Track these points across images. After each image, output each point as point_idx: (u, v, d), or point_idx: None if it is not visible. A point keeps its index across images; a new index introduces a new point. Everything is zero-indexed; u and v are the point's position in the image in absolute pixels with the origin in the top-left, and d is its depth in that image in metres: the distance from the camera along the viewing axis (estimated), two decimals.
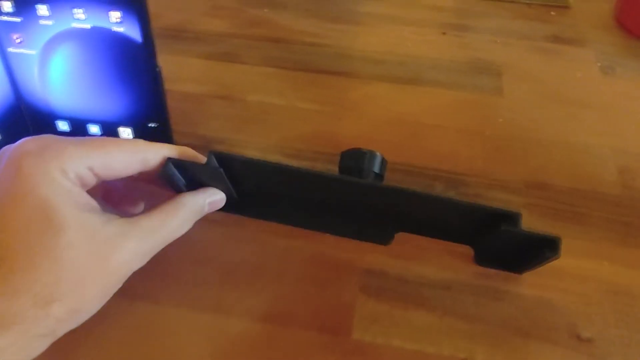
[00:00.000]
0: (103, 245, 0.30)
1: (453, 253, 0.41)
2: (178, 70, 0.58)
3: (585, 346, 0.37)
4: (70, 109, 0.44)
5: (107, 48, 0.41)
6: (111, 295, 0.31)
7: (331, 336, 0.37)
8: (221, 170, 0.35)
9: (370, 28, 0.66)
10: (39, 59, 0.41)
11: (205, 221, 0.36)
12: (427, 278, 0.40)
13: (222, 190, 0.37)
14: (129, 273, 0.31)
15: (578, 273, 0.40)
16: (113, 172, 0.33)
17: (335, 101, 0.55)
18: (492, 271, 0.40)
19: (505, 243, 0.36)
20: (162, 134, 0.45)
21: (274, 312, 0.38)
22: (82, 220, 0.29)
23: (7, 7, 0.39)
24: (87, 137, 0.32)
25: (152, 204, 0.34)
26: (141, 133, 0.45)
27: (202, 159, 0.35)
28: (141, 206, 0.39)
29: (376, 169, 0.39)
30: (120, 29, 0.40)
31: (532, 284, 0.40)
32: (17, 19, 0.40)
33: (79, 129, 0.45)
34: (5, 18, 0.40)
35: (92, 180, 0.32)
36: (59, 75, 0.42)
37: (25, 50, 0.41)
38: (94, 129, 0.45)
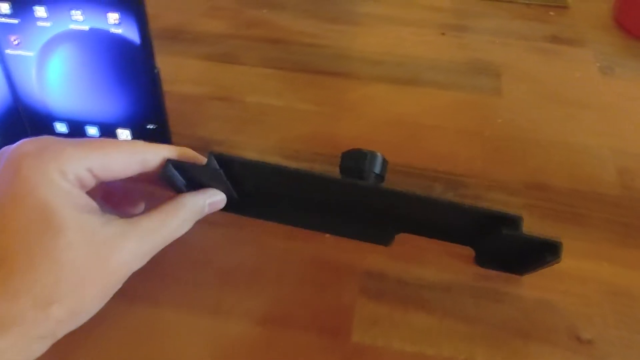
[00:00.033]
0: (102, 245, 0.30)
1: (453, 254, 0.41)
2: (176, 72, 0.58)
3: (585, 348, 0.37)
4: (68, 110, 0.44)
5: (105, 50, 0.40)
6: (111, 296, 0.31)
7: (331, 338, 0.37)
8: (221, 171, 0.35)
9: (369, 29, 0.66)
10: (36, 61, 0.41)
11: (205, 223, 0.36)
12: (427, 280, 0.40)
13: (222, 191, 0.37)
14: (129, 273, 0.31)
15: (578, 274, 0.40)
16: (112, 173, 0.32)
17: (333, 102, 0.55)
18: (492, 273, 0.40)
19: (506, 246, 0.36)
20: (160, 136, 0.45)
21: (273, 314, 0.38)
22: (81, 221, 0.29)
23: (5, 8, 0.39)
24: (85, 139, 0.32)
25: (153, 205, 0.34)
26: (139, 135, 0.45)
27: (202, 159, 0.35)
28: (141, 206, 0.39)
29: (377, 169, 0.39)
30: (118, 31, 0.39)
31: (532, 286, 0.39)
32: (15, 21, 0.40)
33: (77, 130, 0.45)
34: (2, 20, 0.40)
35: (91, 182, 0.32)
36: (56, 77, 0.42)
37: (23, 52, 0.41)
38: (92, 130, 0.45)
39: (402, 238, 0.40)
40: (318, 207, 0.39)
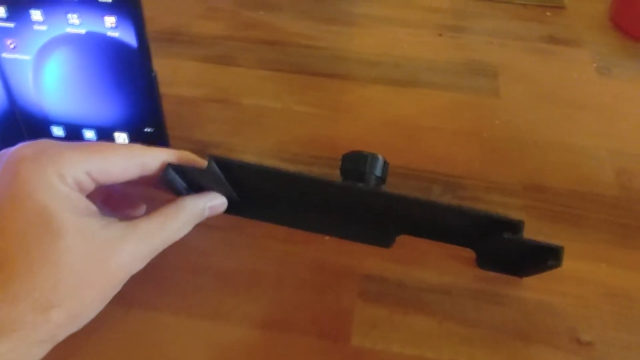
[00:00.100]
0: (101, 248, 0.30)
1: (452, 257, 0.41)
2: (173, 74, 0.58)
3: (585, 350, 0.37)
4: (65, 114, 0.44)
5: (102, 53, 0.40)
6: (110, 299, 0.31)
7: (330, 342, 0.37)
8: (221, 174, 0.35)
9: (366, 30, 0.66)
10: (33, 65, 0.41)
11: (203, 226, 0.36)
12: (427, 282, 0.40)
13: (222, 193, 0.37)
14: (128, 276, 0.31)
15: (577, 276, 0.40)
16: (111, 176, 0.32)
17: (331, 104, 0.55)
18: (492, 275, 0.40)
19: (507, 249, 0.36)
20: (158, 139, 0.44)
21: (272, 318, 0.38)
22: (80, 224, 0.29)
23: (1, 12, 0.39)
24: (84, 142, 0.32)
25: (153, 207, 0.34)
26: (137, 138, 0.44)
27: (202, 162, 0.35)
28: (142, 209, 0.39)
29: (378, 172, 0.39)
30: (115, 34, 0.39)
31: (531, 288, 0.39)
32: (11, 25, 0.39)
33: (74, 134, 0.44)
34: None
35: (90, 185, 0.32)
36: (53, 81, 0.42)
37: (19, 56, 0.41)
38: (89, 134, 0.44)
39: (401, 241, 0.40)
40: (318, 209, 0.39)
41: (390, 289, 0.40)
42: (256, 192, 0.38)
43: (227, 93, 0.56)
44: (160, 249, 0.33)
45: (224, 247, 0.42)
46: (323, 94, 0.56)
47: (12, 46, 0.40)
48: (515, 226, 0.34)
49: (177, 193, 0.36)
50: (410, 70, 0.60)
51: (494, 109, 0.55)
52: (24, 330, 0.27)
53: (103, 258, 0.30)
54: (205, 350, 0.36)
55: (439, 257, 0.41)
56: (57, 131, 0.44)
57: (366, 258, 0.41)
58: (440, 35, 0.66)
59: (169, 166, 0.33)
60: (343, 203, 0.38)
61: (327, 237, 0.42)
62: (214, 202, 0.36)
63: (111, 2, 0.38)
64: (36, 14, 0.39)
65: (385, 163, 0.40)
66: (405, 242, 0.39)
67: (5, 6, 0.39)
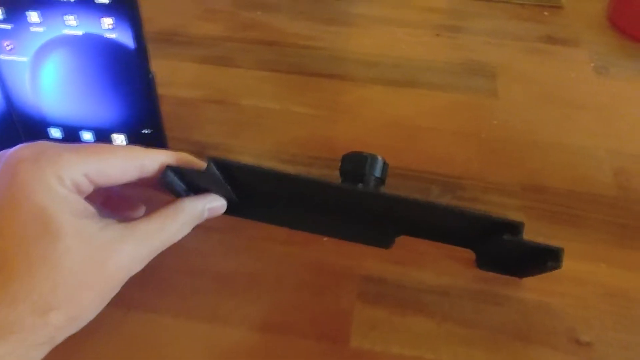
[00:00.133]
0: (100, 250, 0.29)
1: (451, 258, 0.41)
2: (171, 75, 0.58)
3: (584, 350, 0.37)
4: (63, 116, 0.43)
5: (100, 54, 0.40)
6: (109, 300, 0.31)
7: (329, 344, 0.37)
8: (220, 176, 0.35)
9: (364, 30, 0.66)
10: (30, 66, 0.41)
11: (201, 228, 0.36)
12: (426, 283, 0.40)
13: (222, 194, 0.37)
14: (127, 277, 0.31)
15: (576, 276, 0.40)
16: (109, 178, 0.32)
17: (329, 104, 0.55)
18: (490, 276, 0.40)
19: (506, 250, 0.36)
20: (156, 140, 0.44)
21: (271, 321, 0.38)
22: (78, 226, 0.29)
23: None
24: (83, 144, 0.32)
25: (153, 208, 0.34)
26: (135, 139, 0.44)
27: (200, 164, 0.35)
28: (142, 210, 0.39)
29: (377, 173, 0.39)
30: (112, 35, 0.39)
31: (530, 288, 0.39)
32: (8, 26, 0.39)
33: (71, 136, 0.44)
34: None
35: (88, 187, 0.32)
36: (51, 82, 0.42)
37: (16, 58, 0.41)
38: (86, 135, 0.44)
39: (400, 242, 0.40)
40: (318, 210, 0.39)
41: (389, 290, 0.40)
42: (255, 193, 0.38)
43: (226, 94, 0.56)
44: (159, 251, 0.33)
45: (223, 249, 0.42)
46: (321, 94, 0.56)
47: (9, 48, 0.40)
48: (515, 228, 0.34)
49: (176, 195, 0.35)
50: (409, 70, 0.60)
51: (492, 109, 0.55)
52: (23, 333, 0.27)
53: (102, 260, 0.29)
54: (203, 352, 0.36)
55: (437, 258, 0.41)
56: (55, 133, 0.44)
57: (365, 259, 0.41)
58: (438, 35, 0.66)
59: (167, 168, 0.33)
60: (342, 204, 0.38)
61: (325, 239, 0.42)
62: (213, 204, 0.36)
63: (108, 4, 0.38)
64: (33, 16, 0.39)
65: (384, 164, 0.40)
66: (404, 243, 0.39)
67: (2, 8, 0.39)
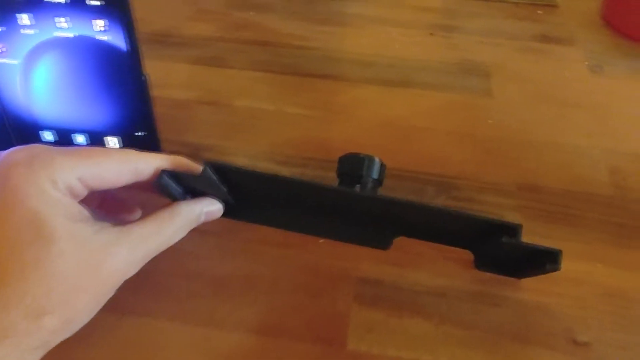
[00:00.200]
0: (95, 253, 0.29)
1: (448, 259, 0.41)
2: (165, 76, 0.57)
3: (582, 350, 0.37)
4: (55, 119, 0.43)
5: (92, 57, 0.40)
6: (103, 304, 0.30)
7: (326, 346, 0.36)
8: (217, 180, 0.34)
9: (358, 30, 0.66)
10: (21, 69, 0.41)
11: (197, 231, 0.36)
12: (423, 285, 0.40)
13: (218, 197, 0.37)
14: (122, 281, 0.31)
15: (573, 276, 0.40)
16: (103, 182, 0.32)
17: (324, 105, 0.55)
18: (488, 276, 0.40)
19: (505, 252, 0.36)
20: (149, 143, 0.44)
21: (267, 324, 0.37)
22: (72, 230, 0.29)
23: None
24: (77, 147, 0.32)
25: (149, 211, 0.33)
26: (128, 142, 0.44)
27: (196, 167, 0.35)
28: (138, 213, 0.39)
29: (375, 174, 0.39)
30: (104, 37, 0.39)
31: (528, 289, 0.39)
32: None
33: (64, 139, 0.44)
34: None
35: (82, 191, 0.31)
36: (42, 85, 0.41)
37: (7, 60, 0.40)
38: (79, 138, 0.44)
39: (396, 243, 0.39)
40: (316, 211, 0.39)
41: (385, 292, 0.39)
42: (252, 196, 0.38)
43: (219, 95, 0.55)
44: (154, 254, 0.33)
45: (218, 252, 0.41)
46: (316, 95, 0.56)
47: (0, 51, 0.40)
48: (513, 230, 0.33)
49: (173, 198, 0.35)
50: (403, 70, 0.60)
51: (487, 109, 0.55)
52: (17, 337, 0.27)
53: (96, 263, 0.29)
54: (199, 356, 0.36)
55: (434, 259, 0.41)
56: (47, 136, 0.44)
57: (361, 261, 0.41)
58: (432, 34, 0.65)
59: (162, 172, 0.33)
60: (339, 206, 0.38)
61: (321, 240, 0.42)
62: (210, 208, 0.36)
63: (100, 6, 0.37)
64: (24, 18, 0.38)
65: (382, 165, 0.40)
66: (400, 245, 0.39)
67: None
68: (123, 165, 0.32)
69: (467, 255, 0.39)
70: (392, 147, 0.50)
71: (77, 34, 0.39)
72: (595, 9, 0.70)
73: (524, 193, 0.46)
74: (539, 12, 0.70)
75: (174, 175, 0.34)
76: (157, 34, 0.63)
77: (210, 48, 0.62)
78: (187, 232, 0.35)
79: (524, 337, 0.37)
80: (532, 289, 0.39)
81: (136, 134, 0.44)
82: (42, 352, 0.29)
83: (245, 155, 0.49)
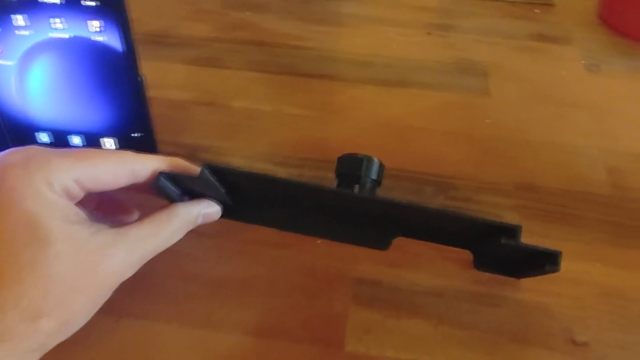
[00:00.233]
0: (91, 255, 0.29)
1: (447, 259, 0.41)
2: (161, 77, 0.57)
3: (581, 350, 0.36)
4: (51, 120, 0.43)
5: (88, 58, 0.40)
6: (100, 306, 0.30)
7: (323, 348, 0.36)
8: (214, 181, 0.34)
9: (355, 29, 0.66)
10: (17, 70, 0.40)
11: (193, 233, 0.35)
12: (421, 285, 0.40)
13: (216, 197, 0.36)
14: (118, 282, 0.31)
15: (572, 276, 0.40)
16: (100, 184, 0.32)
17: (321, 105, 0.55)
18: (486, 276, 0.39)
19: (504, 253, 0.36)
20: (146, 144, 0.44)
21: (264, 325, 0.37)
22: (69, 232, 0.29)
23: None
24: (73, 149, 0.32)
25: (147, 213, 0.33)
26: (125, 143, 0.44)
27: (194, 168, 0.34)
28: (136, 215, 0.39)
29: (373, 175, 0.39)
30: (100, 38, 0.39)
31: (526, 289, 0.39)
32: None
33: (60, 140, 0.44)
34: None
35: (79, 193, 0.31)
36: (38, 86, 0.41)
37: (2, 62, 0.40)
38: (76, 140, 0.44)
39: (394, 243, 0.39)
40: (314, 212, 0.39)
41: (383, 293, 0.39)
42: (250, 197, 0.38)
43: (216, 96, 0.55)
44: (151, 256, 0.32)
45: (215, 254, 0.41)
46: (313, 95, 0.56)
47: None
48: (512, 231, 0.33)
49: (170, 200, 0.35)
50: (400, 70, 0.59)
51: (485, 108, 0.55)
52: (13, 341, 0.27)
53: (93, 265, 0.29)
54: (197, 359, 0.36)
55: (432, 259, 0.41)
56: (43, 137, 0.44)
57: (359, 261, 0.41)
58: (429, 34, 0.65)
59: (160, 175, 0.33)
60: (338, 207, 0.38)
61: (319, 241, 0.42)
62: (208, 210, 0.36)
63: (95, 6, 0.37)
64: (19, 19, 0.38)
65: (380, 166, 0.40)
66: (398, 245, 0.39)
67: None
68: (120, 167, 0.32)
69: (465, 255, 0.39)
70: (390, 147, 0.50)
71: (72, 34, 0.39)
72: (591, 8, 0.70)
73: (521, 193, 0.46)
74: (535, 11, 0.70)
75: (172, 177, 0.34)
76: (153, 35, 0.63)
77: (207, 48, 0.62)
78: (184, 234, 0.34)
79: (522, 337, 0.37)
80: (530, 289, 0.39)
81: (132, 135, 0.44)
82: (38, 355, 0.29)
83: (242, 156, 0.49)
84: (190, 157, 0.35)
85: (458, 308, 0.38)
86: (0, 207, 0.28)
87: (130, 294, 0.36)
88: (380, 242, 0.39)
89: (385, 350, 0.36)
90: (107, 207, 0.37)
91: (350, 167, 0.39)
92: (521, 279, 0.39)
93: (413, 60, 0.61)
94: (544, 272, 0.34)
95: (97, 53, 0.39)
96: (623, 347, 0.37)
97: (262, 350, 0.36)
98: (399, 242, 0.39)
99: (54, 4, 0.37)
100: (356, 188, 0.38)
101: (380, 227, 0.39)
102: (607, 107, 0.55)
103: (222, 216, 0.37)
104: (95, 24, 0.38)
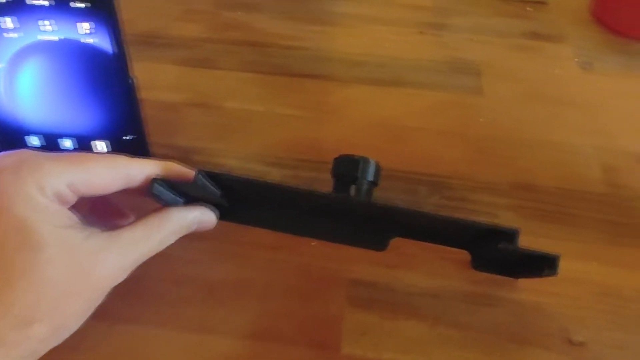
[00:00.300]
0: (83, 260, 0.29)
1: (443, 259, 0.41)
2: (153, 78, 0.56)
3: (578, 350, 0.36)
4: (42, 123, 0.42)
5: (78, 60, 0.39)
6: (93, 310, 0.30)
7: (320, 351, 0.36)
8: (209, 185, 0.34)
9: (348, 29, 0.65)
10: (6, 73, 0.40)
11: (187, 236, 0.35)
12: (417, 286, 0.39)
13: (211, 200, 0.36)
14: (111, 286, 0.31)
15: (569, 276, 0.39)
16: (94, 189, 0.32)
17: (315, 106, 0.54)
18: (483, 277, 0.39)
19: (502, 256, 0.36)
20: (138, 146, 0.43)
21: (259, 329, 0.37)
22: (61, 236, 0.29)
23: None
24: (66, 153, 0.31)
25: (142, 216, 0.33)
26: (117, 146, 0.43)
27: (188, 172, 0.34)
28: (131, 218, 0.38)
29: (370, 176, 0.38)
30: (90, 40, 0.38)
31: (523, 289, 0.39)
32: None
33: (51, 143, 0.43)
34: None
35: (71, 197, 0.31)
36: (28, 89, 0.41)
37: None
38: (67, 143, 0.43)
39: (390, 244, 0.39)
40: (311, 214, 0.39)
41: (379, 294, 0.39)
42: (246, 199, 0.38)
43: (208, 97, 0.55)
44: (144, 259, 0.32)
45: (209, 257, 0.41)
46: (306, 95, 0.55)
47: None
48: (510, 235, 0.33)
49: (165, 204, 0.35)
50: (394, 69, 0.59)
51: (479, 107, 0.55)
52: (5, 348, 0.26)
53: (85, 269, 0.29)
54: None
55: (428, 259, 0.41)
56: (34, 141, 0.43)
57: (354, 263, 0.41)
58: (422, 33, 0.65)
59: (154, 181, 0.33)
60: (335, 209, 0.37)
61: (314, 242, 0.41)
62: (203, 218, 0.36)
63: (85, 8, 0.37)
64: (8, 21, 0.37)
65: (377, 167, 0.39)
66: (393, 246, 0.39)
67: None
68: (113, 172, 0.32)
69: (462, 255, 0.39)
70: (384, 147, 0.50)
71: (62, 37, 0.38)
72: (584, 6, 0.70)
73: (517, 192, 0.46)
74: (528, 9, 0.70)
75: (166, 182, 0.33)
76: (144, 35, 0.62)
77: (199, 49, 0.61)
78: (177, 238, 0.34)
79: (519, 337, 0.37)
80: (527, 289, 0.39)
81: (124, 137, 0.43)
82: None
83: (236, 157, 0.49)
84: (183, 159, 0.35)
85: (455, 308, 0.38)
86: None
87: (124, 298, 0.36)
88: (377, 243, 0.39)
89: (382, 352, 0.36)
90: (101, 211, 0.37)
91: (347, 168, 0.39)
92: (518, 279, 0.39)
93: (406, 60, 0.61)
94: (542, 276, 0.34)
95: (87, 55, 0.39)
96: (620, 346, 0.37)
97: (258, 354, 0.36)
98: (395, 242, 0.39)
99: (43, 6, 0.37)
100: (353, 189, 0.38)
101: (377, 228, 0.38)
102: (600, 105, 0.55)
103: (219, 218, 0.37)
104: (85, 26, 0.37)
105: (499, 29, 0.66)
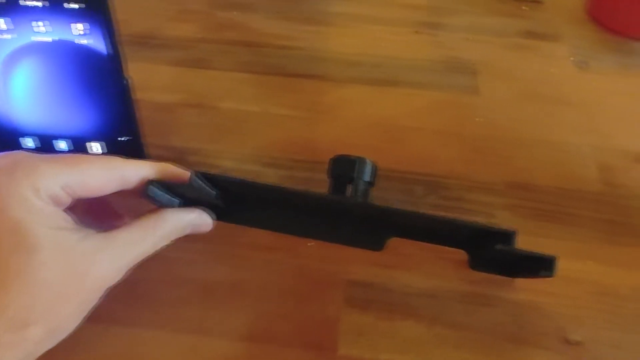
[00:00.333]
0: (78, 261, 0.29)
1: (440, 259, 0.40)
2: (148, 79, 0.56)
3: (575, 350, 0.36)
4: (36, 125, 0.42)
5: (72, 61, 0.39)
6: (88, 311, 0.30)
7: (316, 352, 0.36)
8: (205, 187, 0.34)
9: (343, 29, 0.65)
10: (0, 74, 0.40)
11: (183, 238, 0.35)
12: (414, 287, 0.39)
13: (207, 202, 0.36)
14: (106, 287, 0.31)
15: (566, 275, 0.39)
16: (89, 190, 0.32)
17: (310, 106, 0.54)
18: (480, 277, 0.39)
19: (500, 256, 0.36)
20: (133, 147, 0.43)
21: (256, 331, 0.37)
22: (56, 238, 0.29)
23: None
24: (61, 154, 0.31)
25: (138, 216, 0.33)
26: (112, 147, 0.43)
27: (184, 174, 0.34)
28: (127, 220, 0.38)
29: (366, 177, 0.38)
30: (85, 41, 0.38)
31: (520, 289, 0.39)
32: None
33: (45, 145, 0.43)
34: None
35: (66, 199, 0.31)
36: (22, 91, 0.40)
37: None
38: (61, 144, 0.43)
39: (387, 245, 0.39)
40: (307, 214, 0.38)
41: (376, 295, 0.39)
42: (242, 201, 0.37)
43: (203, 97, 0.55)
44: (138, 260, 0.32)
45: (205, 258, 0.41)
46: (301, 95, 0.55)
47: None
48: (507, 236, 0.33)
49: (161, 206, 0.35)
50: (389, 69, 0.59)
51: (475, 107, 0.55)
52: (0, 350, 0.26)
53: (80, 271, 0.29)
54: None
55: (425, 260, 0.41)
56: (28, 142, 0.43)
57: (350, 263, 0.40)
58: (417, 32, 0.65)
59: (149, 184, 0.32)
60: (331, 210, 0.37)
61: (310, 243, 0.41)
62: (199, 222, 0.36)
63: (79, 9, 0.36)
64: (1, 23, 0.37)
65: (374, 167, 0.39)
66: (390, 246, 0.39)
67: None
68: (109, 173, 0.32)
69: (459, 255, 0.39)
70: (380, 147, 0.50)
71: (56, 38, 0.38)
72: (580, 4, 0.70)
73: (514, 191, 0.46)
74: (523, 8, 0.70)
75: (161, 184, 0.33)
76: (138, 36, 0.62)
77: (194, 49, 0.61)
78: (172, 240, 0.34)
79: (517, 337, 0.37)
80: (525, 289, 0.39)
81: (120, 138, 0.43)
82: None
83: (231, 157, 0.48)
84: (178, 160, 0.35)
85: (452, 309, 0.38)
86: None
87: (119, 300, 0.36)
88: (374, 243, 0.39)
89: (379, 353, 0.36)
90: (97, 212, 0.37)
91: (344, 168, 0.39)
92: (515, 279, 0.39)
93: (402, 59, 0.61)
94: (538, 276, 0.34)
95: (82, 56, 0.39)
96: (617, 346, 0.37)
97: (254, 355, 0.36)
98: (392, 243, 0.39)
99: (37, 7, 0.37)
100: (349, 189, 0.38)
101: (373, 228, 0.38)
102: (596, 104, 0.55)
103: (215, 219, 0.37)
104: (79, 27, 0.37)
105: (494, 28, 0.66)
